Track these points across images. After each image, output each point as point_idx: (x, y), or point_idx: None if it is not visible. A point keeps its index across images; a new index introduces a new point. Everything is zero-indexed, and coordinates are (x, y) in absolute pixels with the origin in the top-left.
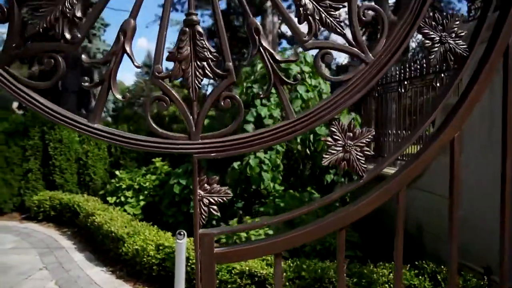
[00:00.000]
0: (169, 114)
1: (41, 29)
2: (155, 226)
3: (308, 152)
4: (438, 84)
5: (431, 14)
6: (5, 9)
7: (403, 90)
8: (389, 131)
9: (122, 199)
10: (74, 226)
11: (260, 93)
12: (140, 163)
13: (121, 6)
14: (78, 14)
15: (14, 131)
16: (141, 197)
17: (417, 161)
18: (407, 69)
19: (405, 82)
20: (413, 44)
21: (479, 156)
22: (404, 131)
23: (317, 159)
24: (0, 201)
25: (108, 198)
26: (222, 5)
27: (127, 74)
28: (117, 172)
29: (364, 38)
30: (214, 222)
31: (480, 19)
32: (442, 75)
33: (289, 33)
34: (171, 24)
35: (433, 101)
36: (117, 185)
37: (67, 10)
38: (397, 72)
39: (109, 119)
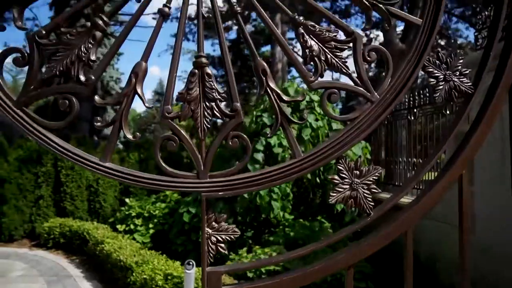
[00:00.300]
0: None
1: (57, 72)
2: (164, 255)
3: (318, 180)
4: (447, 111)
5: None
6: (26, 54)
7: (412, 118)
8: (400, 159)
9: (132, 227)
10: (83, 254)
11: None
12: (150, 190)
13: (133, 36)
14: (93, 57)
15: (28, 158)
16: (150, 225)
17: (424, 198)
18: (417, 96)
19: (415, 110)
20: (422, 71)
21: (495, 181)
22: (415, 158)
23: (327, 187)
24: (11, 227)
25: (118, 226)
26: (232, 35)
27: (138, 100)
28: (127, 200)
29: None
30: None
31: (486, 49)
32: (452, 102)
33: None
34: (182, 52)
35: (443, 132)
36: (127, 212)
37: (83, 54)
38: (407, 99)
39: (120, 145)
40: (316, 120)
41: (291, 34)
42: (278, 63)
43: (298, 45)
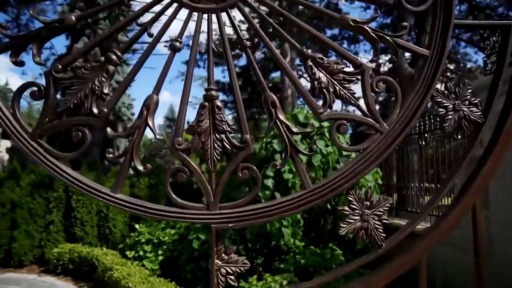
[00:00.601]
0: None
1: (71, 105)
2: (173, 282)
3: (329, 206)
4: (459, 136)
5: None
6: (42, 87)
7: (423, 142)
8: (412, 184)
9: (141, 253)
10: (92, 280)
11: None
12: None
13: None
14: (106, 90)
15: (40, 183)
16: (159, 252)
17: (438, 226)
18: (427, 121)
19: (426, 134)
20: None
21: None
22: (427, 183)
23: (338, 213)
24: (21, 253)
25: (127, 252)
26: (242, 62)
27: None
28: (136, 226)
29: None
30: (232, 283)
31: (496, 74)
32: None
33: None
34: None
35: (455, 156)
36: (136, 239)
37: (96, 87)
38: (417, 124)
39: (131, 171)
40: (326, 146)
41: (299, 61)
42: (288, 89)
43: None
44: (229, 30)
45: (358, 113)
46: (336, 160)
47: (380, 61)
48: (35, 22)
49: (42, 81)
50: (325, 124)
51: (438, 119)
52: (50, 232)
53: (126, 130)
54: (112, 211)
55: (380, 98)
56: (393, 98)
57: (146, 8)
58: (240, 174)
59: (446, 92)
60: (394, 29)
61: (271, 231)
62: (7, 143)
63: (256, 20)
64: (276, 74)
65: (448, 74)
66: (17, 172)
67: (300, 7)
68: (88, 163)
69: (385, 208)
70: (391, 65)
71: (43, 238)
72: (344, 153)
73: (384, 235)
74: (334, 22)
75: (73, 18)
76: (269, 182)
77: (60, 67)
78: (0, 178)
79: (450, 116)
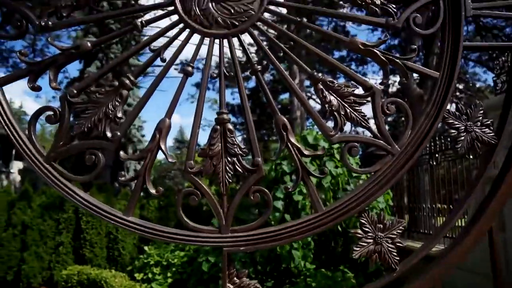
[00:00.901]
0: None
1: (85, 129)
2: None
3: (340, 228)
4: (471, 156)
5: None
6: (58, 112)
7: (434, 163)
8: (423, 205)
9: (150, 275)
10: None
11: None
12: None
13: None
14: (119, 114)
15: (50, 205)
16: (168, 274)
17: (452, 252)
18: (438, 141)
19: (437, 155)
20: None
21: None
22: (439, 204)
23: (349, 235)
24: (30, 274)
25: (136, 275)
26: (252, 84)
27: None
28: (145, 248)
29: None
30: None
31: (508, 93)
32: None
33: (317, 107)
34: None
35: (468, 178)
36: (145, 261)
37: (110, 111)
38: (428, 145)
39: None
40: (336, 167)
41: (308, 82)
42: (297, 110)
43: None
44: (238, 52)
45: (366, 133)
46: (346, 181)
47: (389, 82)
48: (50, 48)
49: (55, 104)
50: (335, 145)
51: (448, 139)
52: (60, 254)
53: (139, 153)
54: (122, 233)
55: (389, 119)
56: (402, 118)
57: (160, 34)
58: (252, 197)
59: (457, 113)
60: (402, 51)
61: (281, 254)
62: (19, 165)
63: (265, 43)
64: (284, 96)
65: (457, 93)
66: (29, 193)
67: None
68: (98, 185)
69: (398, 230)
70: (399, 86)
71: (52, 260)
72: (354, 174)
73: (398, 258)
74: (343, 45)
75: (89, 44)
76: (279, 204)
77: (75, 92)
78: (12, 199)
79: (462, 138)
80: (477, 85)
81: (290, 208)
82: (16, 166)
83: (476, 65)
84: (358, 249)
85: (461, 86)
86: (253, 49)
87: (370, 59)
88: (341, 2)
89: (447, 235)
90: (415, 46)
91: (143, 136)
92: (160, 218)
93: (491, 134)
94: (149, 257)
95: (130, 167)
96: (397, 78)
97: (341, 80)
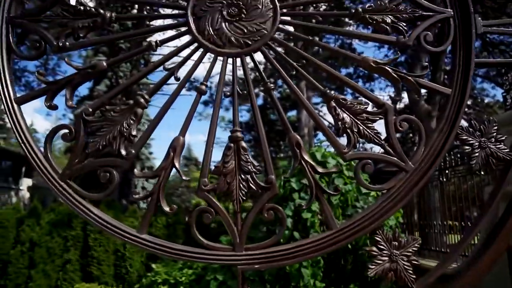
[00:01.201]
0: None
1: (100, 147)
2: None
3: (349, 246)
4: (482, 172)
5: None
6: (73, 129)
7: (444, 179)
8: (434, 222)
9: None
10: None
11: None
12: None
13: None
14: (134, 132)
15: (59, 222)
16: None
17: (469, 272)
18: (447, 157)
19: (447, 171)
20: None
21: None
22: (450, 222)
23: (359, 253)
24: None
25: None
26: (259, 101)
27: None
28: (153, 265)
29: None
30: None
31: None
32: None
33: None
34: (208, 118)
35: (480, 201)
36: (153, 279)
37: (125, 129)
38: None
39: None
40: (345, 184)
41: (316, 99)
42: (304, 127)
43: (324, 109)
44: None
45: (376, 148)
46: (355, 198)
47: (402, 99)
48: (62, 66)
49: (65, 122)
50: (344, 162)
51: (458, 155)
52: (67, 272)
53: (152, 171)
54: (129, 250)
55: (397, 135)
56: (410, 135)
57: (174, 54)
58: (266, 215)
59: (471, 129)
60: (408, 67)
61: (291, 272)
62: (28, 182)
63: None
64: (291, 113)
65: (466, 109)
66: (38, 210)
67: (315, 47)
68: (107, 202)
69: (414, 248)
70: (406, 101)
71: (60, 277)
72: (363, 191)
73: (414, 276)
74: (356, 63)
75: (105, 64)
76: (288, 222)
77: (90, 110)
78: (21, 216)
79: (477, 154)
80: (486, 101)
81: (299, 225)
82: (26, 183)
83: (484, 80)
84: (373, 267)
85: (469, 102)
86: (260, 66)
87: (382, 76)
88: (346, 19)
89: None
90: (427, 64)
91: (151, 153)
92: (168, 236)
93: (506, 150)
94: (157, 275)
95: (138, 184)
96: (404, 94)
97: (348, 97)
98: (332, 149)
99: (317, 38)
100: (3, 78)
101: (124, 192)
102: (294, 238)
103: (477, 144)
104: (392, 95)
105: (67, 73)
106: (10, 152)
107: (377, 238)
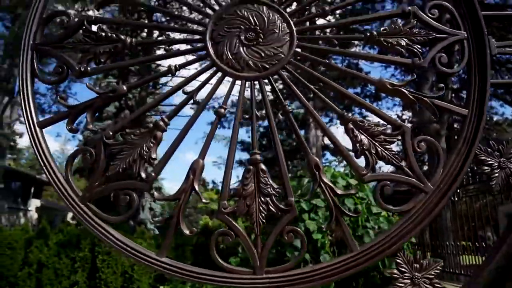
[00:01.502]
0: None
1: (121, 170)
2: None
3: None
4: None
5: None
6: (93, 152)
7: (456, 198)
8: (447, 242)
9: None
10: None
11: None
12: None
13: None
14: (154, 155)
15: (67, 243)
16: None
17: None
18: None
19: (458, 190)
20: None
21: None
22: (463, 242)
23: (370, 275)
24: None
25: None
26: (265, 123)
27: (169, 183)
28: (161, 287)
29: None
30: None
31: None
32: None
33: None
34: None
35: (493, 220)
36: None
37: (145, 152)
38: None
39: (156, 230)
40: (355, 204)
41: (323, 119)
42: (313, 147)
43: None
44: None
45: (385, 168)
46: (366, 218)
47: (404, 117)
48: (72, 88)
49: (74, 144)
50: (353, 182)
51: (470, 174)
52: None
53: (174, 194)
54: (137, 272)
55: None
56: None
57: (193, 77)
58: (286, 237)
59: (489, 150)
60: (416, 86)
61: None
62: (36, 202)
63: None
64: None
65: (489, 138)
66: (46, 231)
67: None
68: (116, 223)
69: (436, 270)
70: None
71: None
72: (374, 210)
73: None
74: (372, 85)
75: (125, 88)
76: (297, 242)
77: (110, 133)
78: (29, 237)
79: (496, 174)
80: (494, 119)
81: (309, 246)
82: (34, 204)
83: (492, 98)
84: None
85: None
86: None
87: (399, 98)
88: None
89: (469, 273)
90: (443, 85)
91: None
92: (177, 256)
93: None
94: None
95: (146, 206)
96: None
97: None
98: (341, 169)
99: (326, 61)
100: (27, 102)
101: (152, 218)
102: (305, 259)
103: (496, 164)
104: (399, 114)
105: (77, 94)
106: (20, 173)
107: (398, 261)
